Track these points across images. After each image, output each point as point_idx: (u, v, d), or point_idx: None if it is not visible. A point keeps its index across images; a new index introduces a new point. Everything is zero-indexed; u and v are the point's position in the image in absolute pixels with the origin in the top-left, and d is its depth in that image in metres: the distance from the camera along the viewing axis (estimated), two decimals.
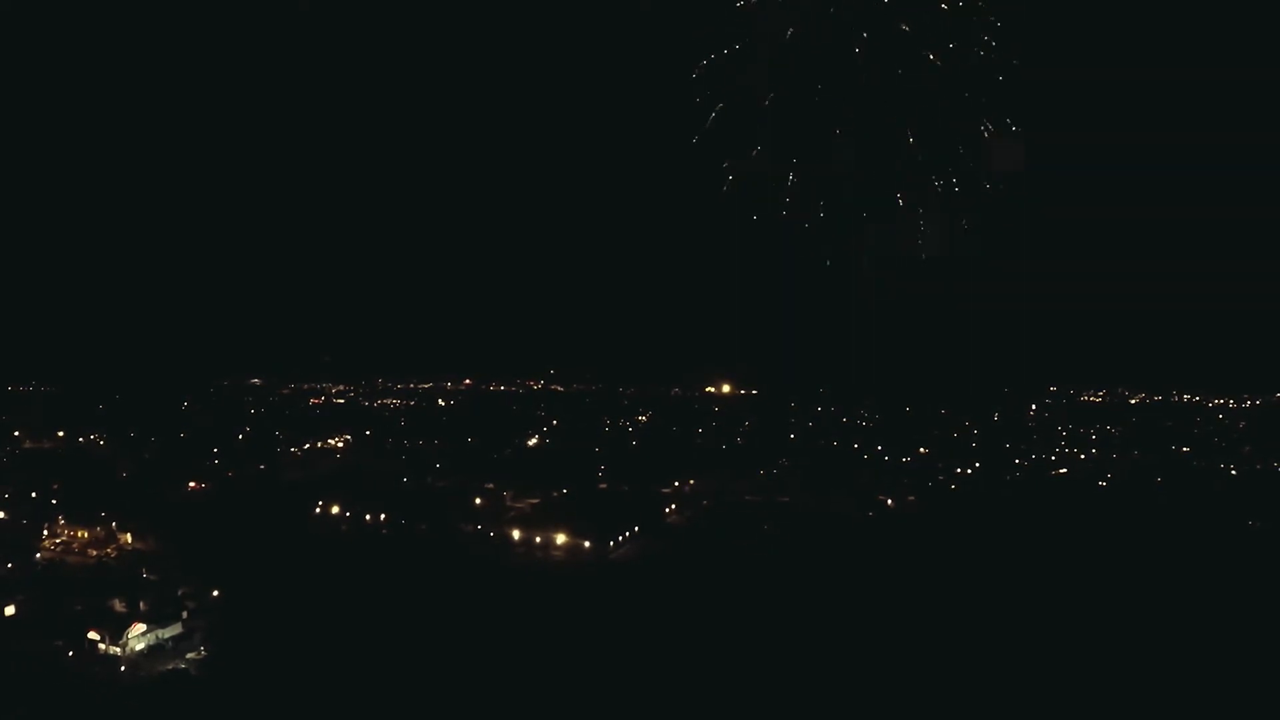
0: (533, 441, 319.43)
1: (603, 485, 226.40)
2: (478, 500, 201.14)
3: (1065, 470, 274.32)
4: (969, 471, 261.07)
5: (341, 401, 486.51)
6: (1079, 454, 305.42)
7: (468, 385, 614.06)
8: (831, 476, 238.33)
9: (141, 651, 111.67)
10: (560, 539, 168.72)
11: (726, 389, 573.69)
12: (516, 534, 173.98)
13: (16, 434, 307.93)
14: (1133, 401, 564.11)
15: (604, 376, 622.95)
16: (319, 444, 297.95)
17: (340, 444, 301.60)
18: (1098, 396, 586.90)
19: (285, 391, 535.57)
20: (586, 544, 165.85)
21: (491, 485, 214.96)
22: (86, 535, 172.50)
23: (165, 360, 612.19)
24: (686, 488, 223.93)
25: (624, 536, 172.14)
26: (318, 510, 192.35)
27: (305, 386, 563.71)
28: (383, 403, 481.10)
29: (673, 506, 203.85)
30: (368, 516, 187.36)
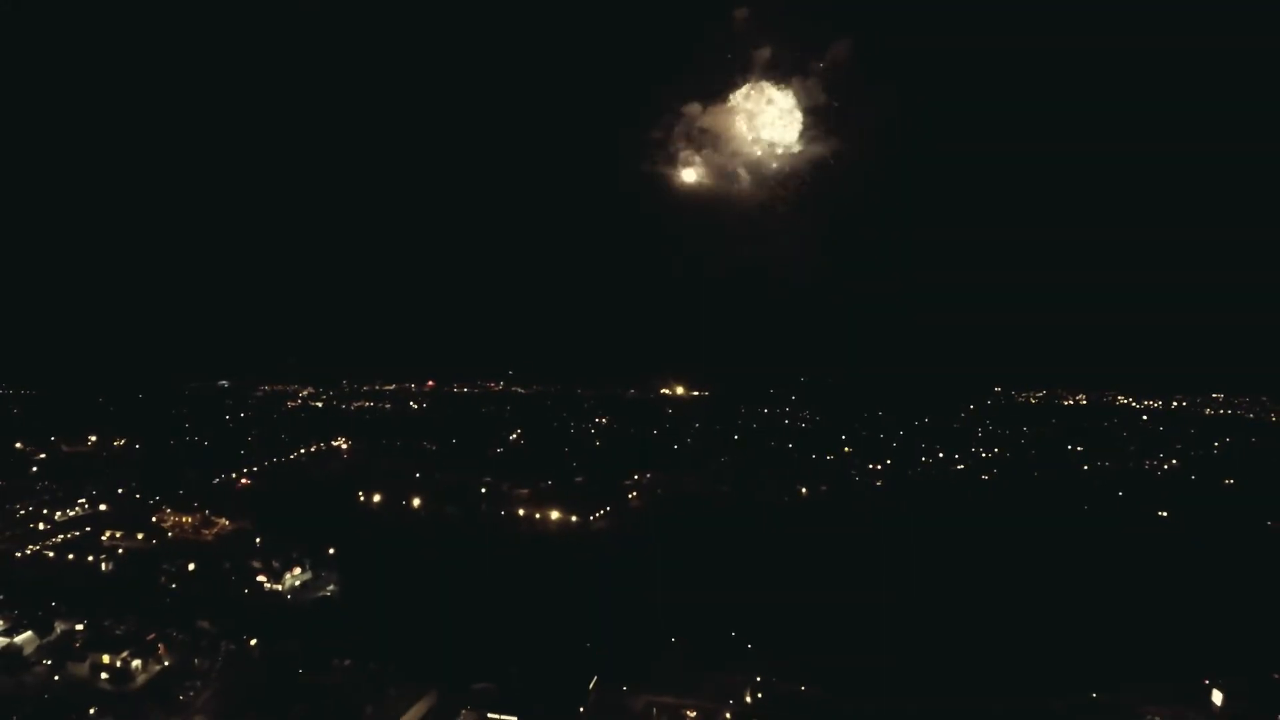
0: (511, 439, 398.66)
1: (578, 479, 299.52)
2: (482, 490, 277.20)
3: (963, 466, 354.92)
4: (878, 467, 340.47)
5: (319, 404, 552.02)
6: (982, 452, 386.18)
7: (431, 387, 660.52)
8: (761, 471, 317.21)
9: (296, 587, 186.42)
10: (554, 515, 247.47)
11: (680, 390, 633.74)
12: (521, 512, 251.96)
13: (53, 438, 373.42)
14: (1066, 402, 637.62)
15: (561, 377, 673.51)
16: (325, 445, 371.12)
17: (345, 445, 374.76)
18: (1036, 397, 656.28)
19: (259, 394, 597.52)
20: (574, 518, 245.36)
21: (490, 479, 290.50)
22: (189, 520, 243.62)
23: (129, 361, 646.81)
24: (644, 480, 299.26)
25: (599, 514, 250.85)
26: (361, 498, 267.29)
27: (276, 388, 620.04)
28: (359, 405, 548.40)
29: (634, 494, 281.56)
30: (403, 502, 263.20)
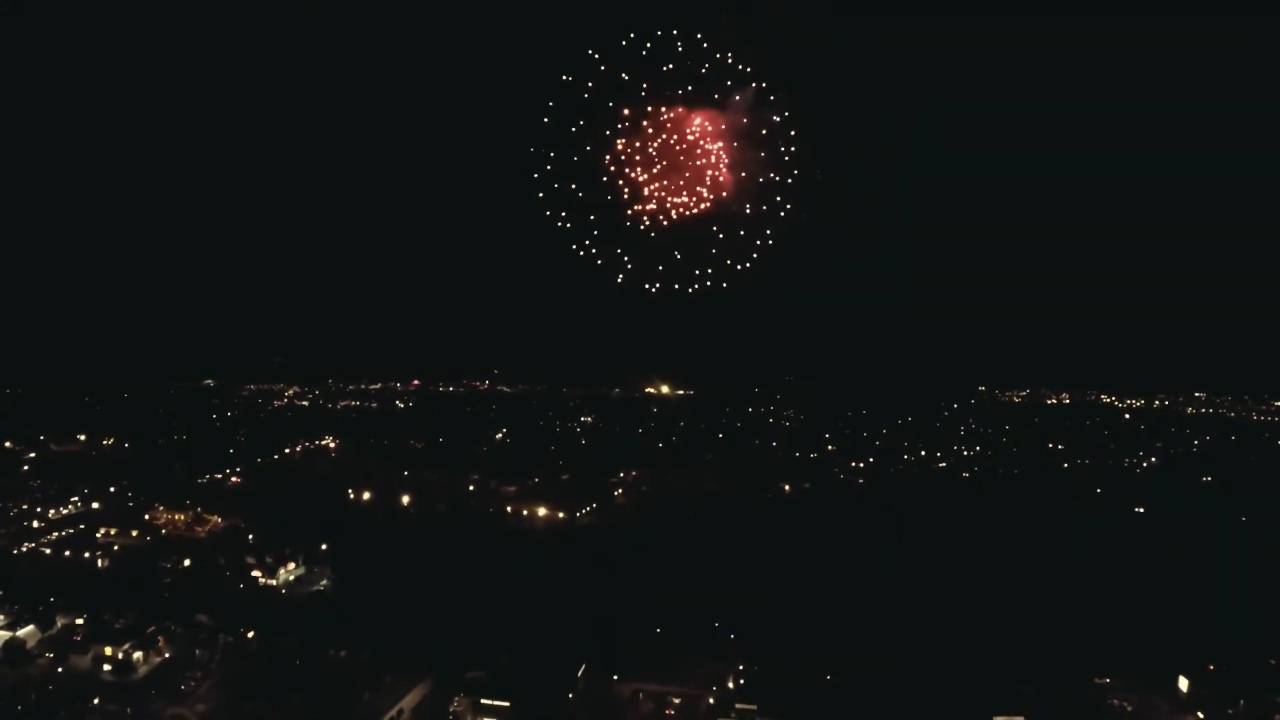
0: (498, 438, 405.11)
1: (565, 477, 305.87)
2: (470, 487, 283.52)
3: (945, 464, 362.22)
4: (860, 465, 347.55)
5: (305, 404, 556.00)
6: (964, 450, 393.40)
7: (416, 386, 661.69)
8: (745, 469, 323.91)
9: (290, 581, 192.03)
10: (541, 512, 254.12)
11: (665, 389, 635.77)
12: (509, 509, 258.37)
13: (42, 438, 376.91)
14: (1050, 401, 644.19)
15: (546, 376, 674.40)
16: (313, 444, 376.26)
17: (332, 444, 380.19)
18: (1019, 396, 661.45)
19: (246, 393, 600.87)
20: (560, 515, 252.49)
21: (477, 476, 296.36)
22: (182, 518, 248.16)
23: (115, 361, 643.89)
24: (630, 478, 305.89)
25: (586, 511, 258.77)
26: (351, 496, 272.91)
27: (262, 387, 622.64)
28: (346, 405, 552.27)
29: (619, 491, 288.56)
30: (392, 500, 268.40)
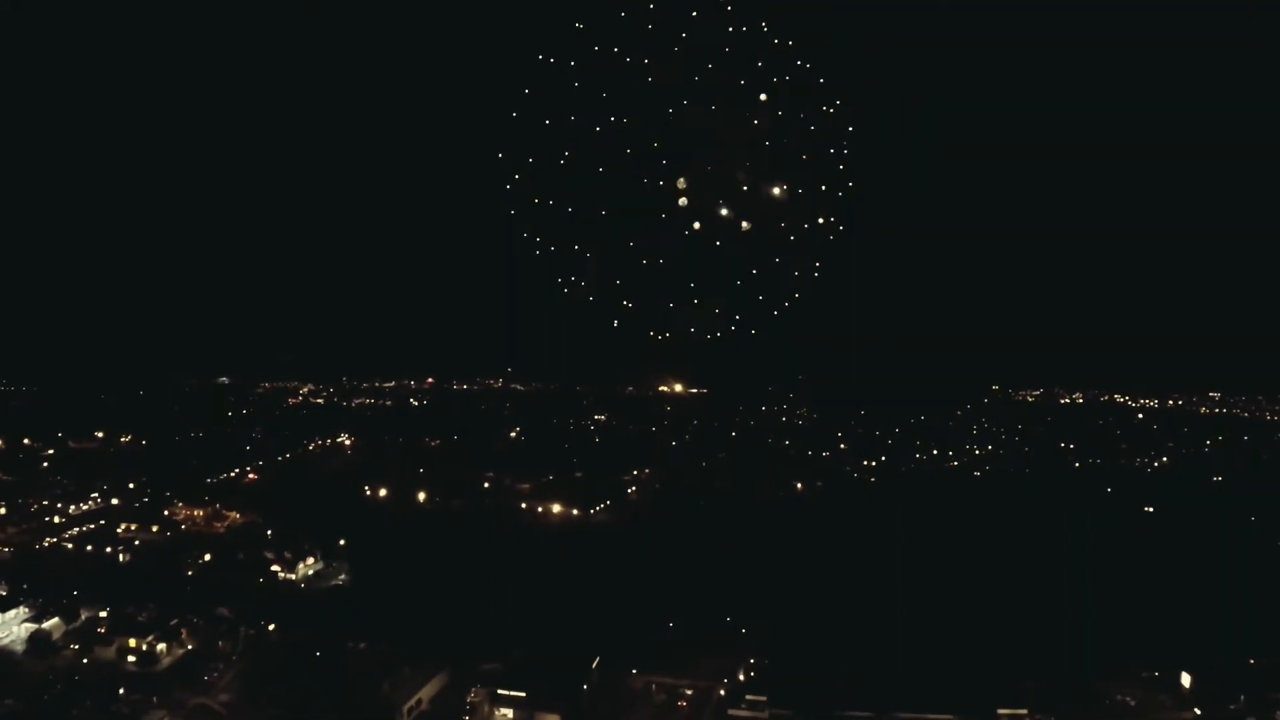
0: (512, 435, 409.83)
1: (578, 474, 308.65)
2: (485, 485, 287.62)
3: (956, 463, 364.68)
4: (872, 464, 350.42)
5: (320, 401, 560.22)
6: (975, 449, 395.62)
7: (430, 384, 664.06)
8: (756, 467, 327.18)
9: (309, 576, 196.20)
10: (556, 509, 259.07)
11: (678, 388, 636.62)
12: (524, 506, 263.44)
13: (60, 435, 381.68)
14: (1064, 401, 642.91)
15: (560, 374, 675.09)
16: (329, 441, 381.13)
17: (348, 441, 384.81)
18: (1033, 396, 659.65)
19: (260, 391, 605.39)
20: (574, 512, 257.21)
21: (492, 473, 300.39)
22: (201, 514, 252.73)
23: (129, 358, 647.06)
24: (643, 475, 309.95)
25: (600, 508, 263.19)
26: (367, 492, 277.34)
27: (277, 385, 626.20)
28: (360, 402, 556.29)
29: (633, 489, 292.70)
30: (408, 496, 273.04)
